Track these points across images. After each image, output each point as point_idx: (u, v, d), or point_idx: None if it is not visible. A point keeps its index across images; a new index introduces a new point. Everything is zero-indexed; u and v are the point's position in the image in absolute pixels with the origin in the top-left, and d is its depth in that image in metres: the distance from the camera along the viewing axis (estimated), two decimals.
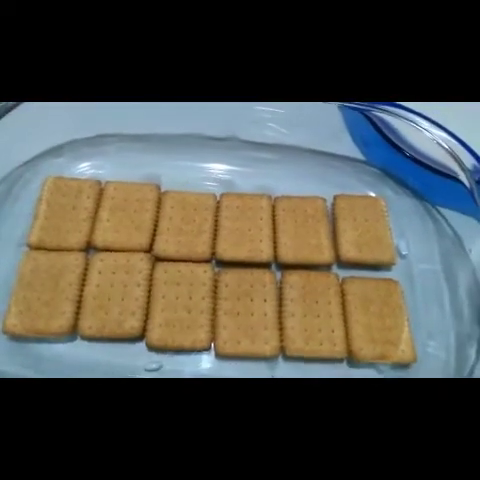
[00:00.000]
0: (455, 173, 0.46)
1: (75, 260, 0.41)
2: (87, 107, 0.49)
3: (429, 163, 0.49)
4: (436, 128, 0.47)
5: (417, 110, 0.48)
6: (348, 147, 0.53)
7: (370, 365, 0.41)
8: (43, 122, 0.48)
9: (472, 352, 0.40)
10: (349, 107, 0.51)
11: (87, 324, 0.38)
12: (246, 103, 0.48)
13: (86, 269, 0.41)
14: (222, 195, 0.47)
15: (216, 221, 0.45)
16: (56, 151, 0.50)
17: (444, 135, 0.47)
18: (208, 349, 0.39)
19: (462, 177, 0.46)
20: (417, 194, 0.50)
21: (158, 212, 0.45)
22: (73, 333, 0.38)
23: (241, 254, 0.43)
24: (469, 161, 0.46)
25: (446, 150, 0.46)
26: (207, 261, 0.43)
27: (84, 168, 0.50)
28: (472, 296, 0.43)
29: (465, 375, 0.39)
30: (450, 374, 0.40)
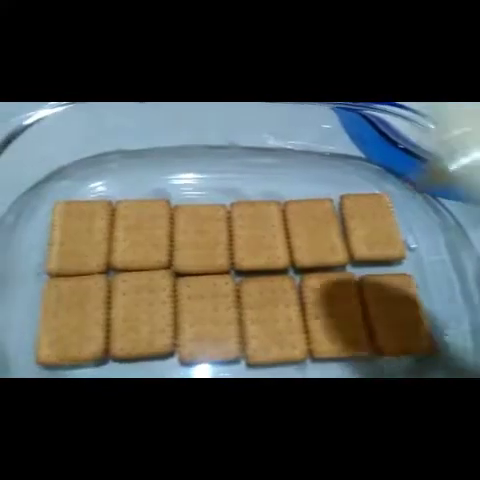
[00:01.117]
0: None
1: (96, 284, 0.41)
2: (85, 125, 0.49)
3: (427, 157, 0.51)
4: (430, 122, 0.49)
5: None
6: (347, 146, 0.54)
7: (393, 359, 0.42)
8: (42, 145, 0.47)
9: None
10: (343, 108, 0.52)
11: (119, 346, 0.38)
12: (241, 108, 0.48)
13: (109, 291, 0.41)
14: (233, 205, 0.48)
15: (230, 231, 0.46)
16: (59, 174, 0.49)
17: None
18: (239, 359, 0.40)
19: None
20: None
21: (172, 227, 0.45)
22: (105, 356, 0.38)
23: (259, 262, 0.44)
24: None
25: None
26: (226, 272, 0.44)
27: (90, 189, 0.49)
28: None
29: None
30: (470, 359, 0.42)
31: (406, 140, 0.52)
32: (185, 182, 0.51)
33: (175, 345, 0.39)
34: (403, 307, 0.43)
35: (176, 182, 0.51)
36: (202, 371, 0.39)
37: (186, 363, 0.39)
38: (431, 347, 0.42)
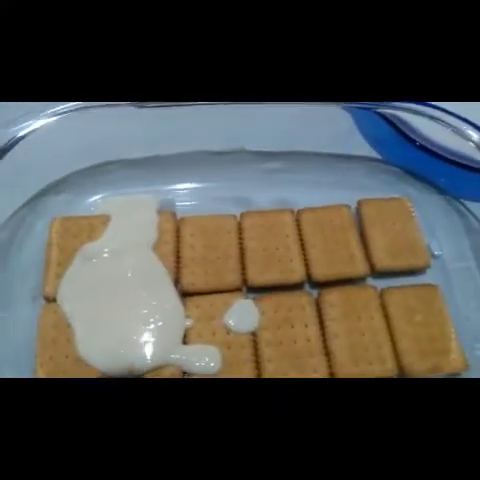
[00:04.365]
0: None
1: None
2: (82, 135, 0.46)
3: (450, 157, 0.47)
4: (455, 120, 0.45)
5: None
6: (361, 147, 0.51)
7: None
8: (37, 158, 0.44)
9: None
10: (357, 107, 0.49)
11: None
12: (248, 109, 0.45)
13: None
14: (242, 215, 0.45)
15: (240, 244, 0.43)
16: (56, 187, 0.46)
17: (465, 127, 0.45)
18: None
19: None
20: (441, 190, 0.48)
21: (178, 242, 0.42)
22: None
23: (273, 277, 0.41)
24: None
25: (472, 142, 0.44)
26: (238, 289, 0.40)
27: (89, 202, 0.46)
28: None
29: None
30: None
31: (427, 139, 0.48)
32: (190, 192, 0.48)
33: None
34: (430, 321, 0.40)
35: (180, 192, 0.48)
36: None
37: None
38: (461, 364, 0.38)
